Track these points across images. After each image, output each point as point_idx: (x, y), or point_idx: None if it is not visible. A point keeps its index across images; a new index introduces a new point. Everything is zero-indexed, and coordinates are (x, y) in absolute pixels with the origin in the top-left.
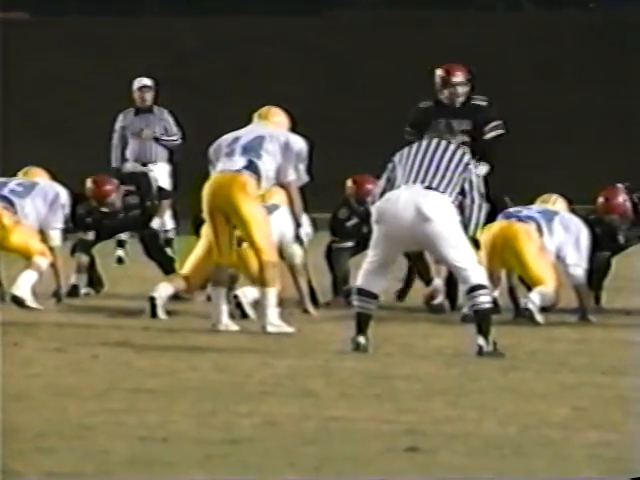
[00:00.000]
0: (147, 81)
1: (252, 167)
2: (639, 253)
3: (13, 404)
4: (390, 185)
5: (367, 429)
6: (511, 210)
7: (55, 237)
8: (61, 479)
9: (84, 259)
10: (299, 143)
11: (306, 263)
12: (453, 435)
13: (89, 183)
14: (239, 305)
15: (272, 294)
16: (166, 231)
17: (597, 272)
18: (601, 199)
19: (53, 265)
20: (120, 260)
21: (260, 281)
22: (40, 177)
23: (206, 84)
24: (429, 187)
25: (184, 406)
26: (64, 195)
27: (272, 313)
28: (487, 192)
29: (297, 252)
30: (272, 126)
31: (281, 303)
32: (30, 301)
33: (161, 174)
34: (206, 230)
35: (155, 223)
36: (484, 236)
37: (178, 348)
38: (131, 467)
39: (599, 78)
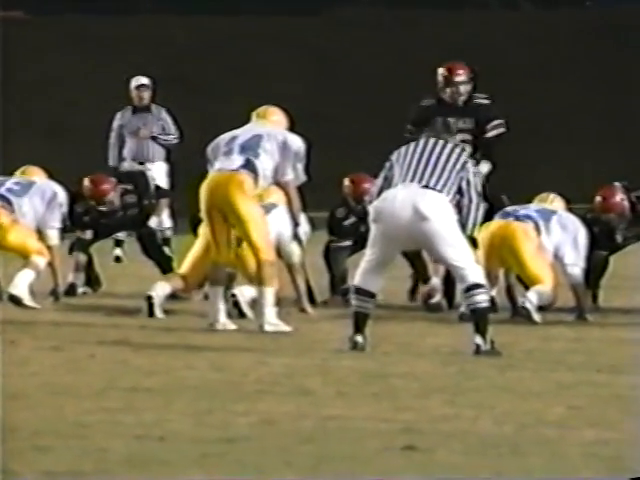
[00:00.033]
0: (144, 80)
1: (250, 166)
2: (636, 252)
3: (10, 403)
4: (388, 184)
5: (364, 428)
6: (509, 209)
7: (53, 236)
8: (58, 478)
9: (82, 258)
10: (297, 142)
11: (304, 262)
12: (450, 433)
13: (87, 182)
14: (236, 304)
15: (270, 293)
16: (163, 230)
17: (594, 271)
18: (599, 198)
19: (51, 264)
20: (118, 259)
21: (258, 280)
22: (37, 176)
23: (204, 83)
24: (426, 186)
25: (181, 405)
26: (62, 194)
27: (269, 312)
28: (485, 191)
29: (295, 251)
30: (270, 125)
31: (278, 302)
32: (27, 300)
33: (159, 173)
34: (204, 229)
35: (153, 222)
36: (482, 235)
37: (175, 347)
38: (128, 466)
39: (595, 77)
